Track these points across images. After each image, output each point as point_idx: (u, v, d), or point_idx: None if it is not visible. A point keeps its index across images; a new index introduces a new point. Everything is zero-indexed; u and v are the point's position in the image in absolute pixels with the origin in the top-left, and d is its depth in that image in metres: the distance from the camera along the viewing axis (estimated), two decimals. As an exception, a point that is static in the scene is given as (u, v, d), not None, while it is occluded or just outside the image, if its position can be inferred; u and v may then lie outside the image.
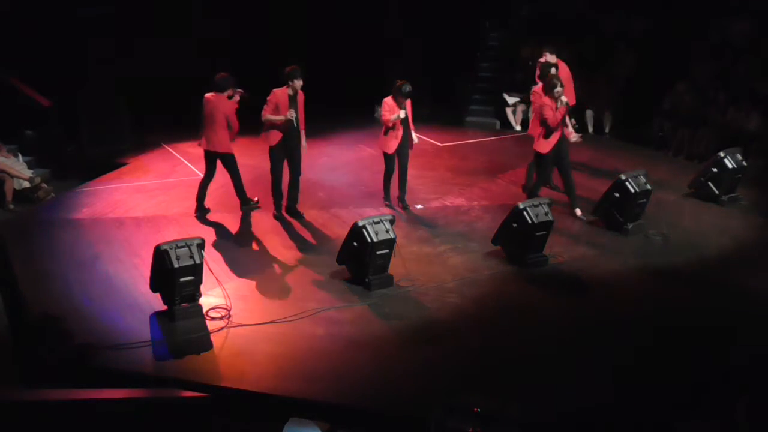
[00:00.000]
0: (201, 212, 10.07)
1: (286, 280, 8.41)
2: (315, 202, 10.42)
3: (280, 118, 9.43)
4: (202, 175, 11.58)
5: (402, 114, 9.65)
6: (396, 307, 7.80)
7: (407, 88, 9.57)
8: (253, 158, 11.00)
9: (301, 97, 9.59)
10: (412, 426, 5.95)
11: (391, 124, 9.72)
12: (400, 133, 9.77)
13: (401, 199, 10.30)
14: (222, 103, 9.52)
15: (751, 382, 6.40)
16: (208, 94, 9.59)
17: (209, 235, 8.94)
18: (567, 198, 9.90)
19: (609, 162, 11.85)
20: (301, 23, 15.39)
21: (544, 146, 9.48)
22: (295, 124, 9.55)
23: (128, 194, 10.99)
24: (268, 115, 9.45)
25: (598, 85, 13.56)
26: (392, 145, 9.86)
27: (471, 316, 7.70)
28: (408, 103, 9.82)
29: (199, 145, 9.92)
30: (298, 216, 9.93)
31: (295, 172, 9.85)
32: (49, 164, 11.82)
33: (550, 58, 11.03)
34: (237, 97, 9.69)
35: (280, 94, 9.41)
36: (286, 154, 9.71)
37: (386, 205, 10.27)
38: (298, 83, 9.44)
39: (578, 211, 9.82)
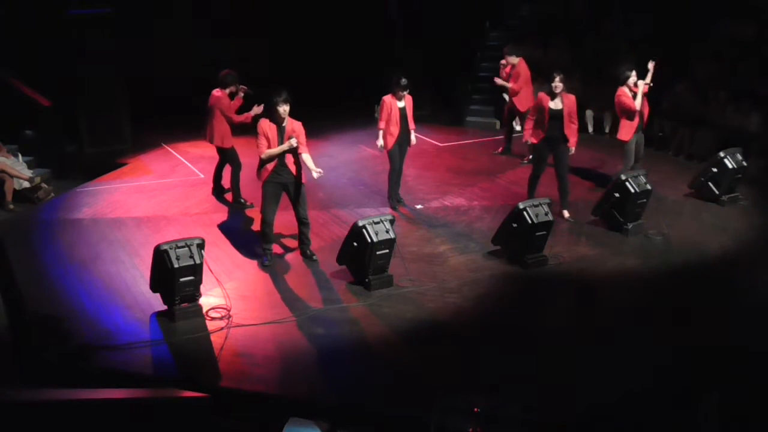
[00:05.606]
0: (237, 204, 10.45)
1: (286, 280, 8.42)
2: (315, 202, 10.40)
3: (281, 148, 8.22)
4: (202, 176, 11.67)
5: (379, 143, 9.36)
6: (396, 307, 7.79)
7: (405, 80, 9.68)
8: (254, 158, 10.98)
9: (294, 126, 8.29)
10: (412, 426, 5.95)
11: (381, 127, 9.78)
12: (396, 129, 9.78)
13: (395, 192, 10.33)
14: (220, 99, 9.99)
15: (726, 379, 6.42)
16: (213, 91, 10.08)
17: (209, 235, 8.94)
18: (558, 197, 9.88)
19: (609, 162, 11.85)
20: (301, 23, 15.42)
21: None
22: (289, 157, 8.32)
23: (128, 194, 11.00)
24: (266, 150, 8.26)
25: (598, 85, 13.54)
26: (389, 142, 9.88)
27: (471, 316, 7.69)
28: (409, 100, 9.84)
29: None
30: (311, 260, 8.77)
31: (300, 213, 8.59)
32: (49, 164, 11.82)
33: (512, 59, 11.93)
34: (241, 94, 10.13)
35: (266, 126, 8.26)
36: (280, 190, 8.49)
37: (390, 205, 10.26)
38: (283, 108, 8.18)
39: (566, 213, 9.83)
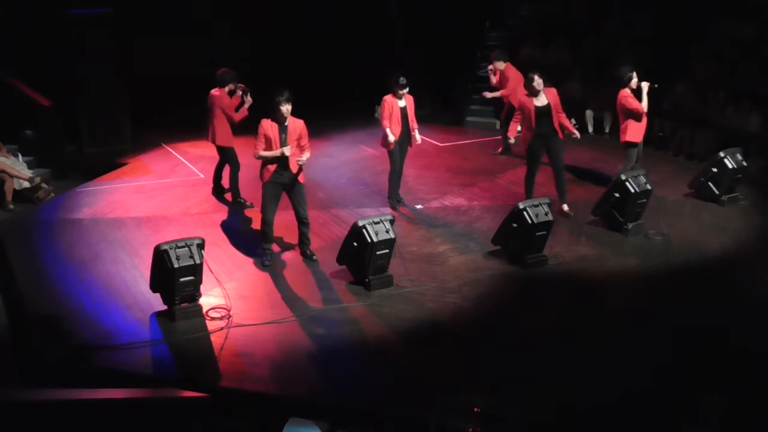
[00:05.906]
0: (237, 204, 10.46)
1: (286, 280, 8.42)
2: (315, 202, 10.40)
3: (272, 153, 8.30)
4: (202, 176, 11.67)
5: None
6: (396, 307, 7.79)
7: (403, 79, 9.69)
8: (252, 158, 11.00)
9: (296, 125, 8.36)
10: (412, 426, 5.95)
11: (386, 125, 9.75)
12: (398, 129, 9.77)
13: (395, 192, 10.33)
14: (220, 98, 9.99)
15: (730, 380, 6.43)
16: (212, 90, 10.08)
17: (209, 235, 8.93)
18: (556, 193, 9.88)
19: (609, 162, 11.85)
20: (301, 22, 15.42)
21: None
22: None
23: (128, 194, 11.00)
24: (261, 152, 8.33)
25: (598, 85, 13.55)
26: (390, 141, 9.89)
27: (471, 316, 7.69)
28: (410, 99, 9.84)
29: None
30: (311, 259, 8.78)
31: (301, 213, 8.61)
32: (49, 164, 11.83)
33: (499, 65, 12.16)
34: (239, 92, 10.14)
35: (267, 126, 8.28)
36: (280, 191, 8.51)
37: (390, 205, 10.25)
38: (285, 108, 8.22)
39: (565, 207, 9.85)
